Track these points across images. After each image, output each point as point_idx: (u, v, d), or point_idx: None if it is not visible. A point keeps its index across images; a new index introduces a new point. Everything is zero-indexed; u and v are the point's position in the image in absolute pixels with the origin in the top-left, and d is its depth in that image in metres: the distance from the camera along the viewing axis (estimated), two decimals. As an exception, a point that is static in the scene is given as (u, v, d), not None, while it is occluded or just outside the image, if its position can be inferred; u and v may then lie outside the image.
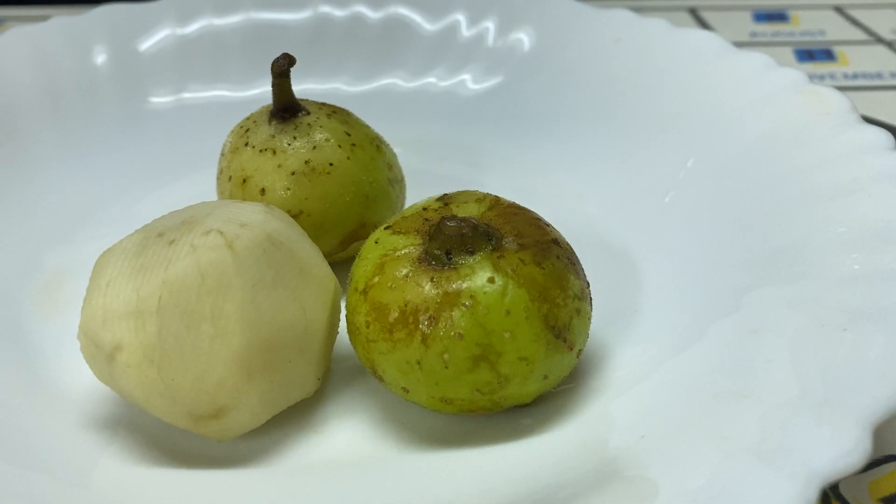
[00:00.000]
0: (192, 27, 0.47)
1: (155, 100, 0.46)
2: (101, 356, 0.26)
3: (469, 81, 0.47)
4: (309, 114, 0.34)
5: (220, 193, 0.35)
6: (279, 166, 0.33)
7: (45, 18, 0.46)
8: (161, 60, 0.46)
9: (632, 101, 0.41)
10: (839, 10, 0.62)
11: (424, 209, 0.29)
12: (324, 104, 0.35)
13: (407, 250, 0.27)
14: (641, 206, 0.37)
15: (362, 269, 0.28)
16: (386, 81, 0.48)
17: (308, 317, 0.27)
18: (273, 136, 0.33)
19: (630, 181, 0.38)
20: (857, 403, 0.22)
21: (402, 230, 0.28)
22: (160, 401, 0.26)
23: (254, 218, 0.27)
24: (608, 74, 0.42)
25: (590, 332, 0.28)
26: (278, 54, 0.33)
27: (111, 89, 0.45)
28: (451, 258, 0.26)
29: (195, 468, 0.27)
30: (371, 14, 0.48)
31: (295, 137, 0.33)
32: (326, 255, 0.31)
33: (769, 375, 0.25)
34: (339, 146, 0.33)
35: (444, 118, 0.46)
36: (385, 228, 0.29)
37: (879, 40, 0.58)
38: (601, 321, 0.31)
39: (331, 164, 0.33)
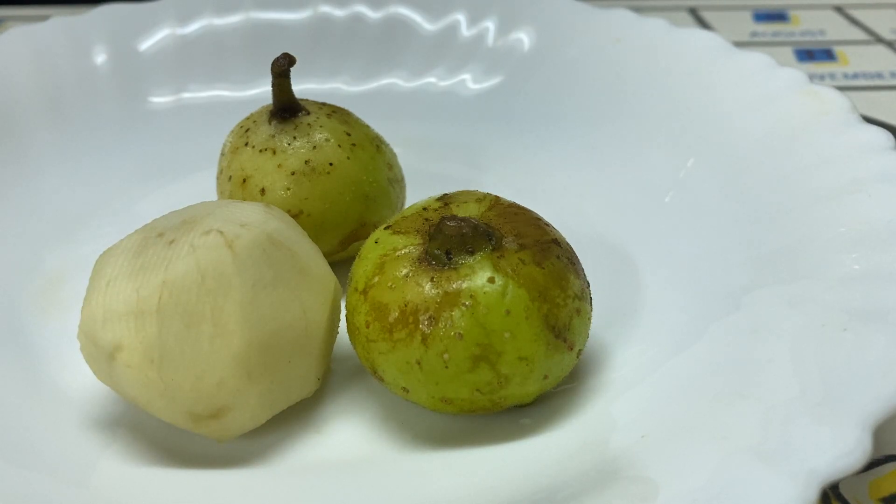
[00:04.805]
0: (192, 27, 0.47)
1: (155, 100, 0.46)
2: (101, 356, 0.26)
3: (469, 81, 0.47)
4: (309, 114, 0.34)
5: (220, 193, 0.35)
6: (279, 166, 0.33)
7: (45, 18, 0.46)
8: (161, 60, 0.46)
9: (632, 101, 0.41)
10: (839, 10, 0.62)
11: (424, 209, 0.29)
12: (324, 104, 0.35)
13: (407, 250, 0.27)
14: (641, 206, 0.37)
15: (362, 269, 0.28)
16: (386, 81, 0.48)
17: (308, 317, 0.27)
18: (273, 136, 0.33)
19: (630, 181, 0.38)
20: (857, 403, 0.22)
21: (402, 230, 0.28)
22: (160, 401, 0.26)
23: (254, 218, 0.27)
24: (608, 74, 0.42)
25: (590, 332, 0.28)
26: (278, 54, 0.33)
27: (111, 89, 0.45)
28: (451, 258, 0.26)
29: (195, 468, 0.27)
30: (371, 14, 0.48)
31: (295, 137, 0.33)
32: (326, 255, 0.31)
33: (769, 375, 0.25)
34: (339, 146, 0.33)
35: (444, 118, 0.46)
36: (385, 228, 0.29)
37: (879, 40, 0.58)
38: (601, 321, 0.31)
39: (331, 164, 0.33)
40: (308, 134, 0.33)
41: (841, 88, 0.39)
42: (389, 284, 0.27)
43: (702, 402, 0.26)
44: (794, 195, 0.32)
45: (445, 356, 0.26)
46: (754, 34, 0.59)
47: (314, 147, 0.33)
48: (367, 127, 0.35)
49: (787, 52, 0.57)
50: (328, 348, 0.29)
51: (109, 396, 0.30)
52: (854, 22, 0.60)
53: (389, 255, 0.27)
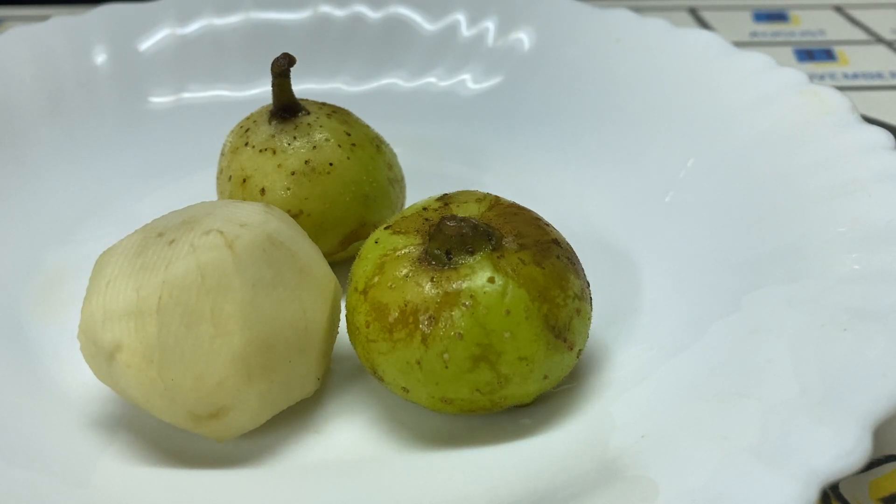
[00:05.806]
0: (192, 27, 0.47)
1: (155, 100, 0.46)
2: (101, 356, 0.26)
3: (469, 81, 0.47)
4: (309, 114, 0.34)
5: (220, 193, 0.35)
6: (279, 166, 0.33)
7: (45, 18, 0.46)
8: (161, 60, 0.46)
9: (632, 101, 0.41)
10: (839, 9, 0.62)
11: (424, 209, 0.29)
12: (324, 104, 0.35)
13: (407, 250, 0.27)
14: (641, 206, 0.37)
15: (362, 269, 0.28)
16: (386, 81, 0.48)
17: (308, 317, 0.27)
18: (273, 136, 0.33)
19: (630, 181, 0.38)
20: (857, 403, 0.22)
21: (402, 230, 0.28)
22: (160, 401, 0.26)
23: (254, 218, 0.27)
24: (608, 74, 0.42)
25: (590, 332, 0.28)
26: (278, 54, 0.33)
27: (111, 89, 0.45)
28: (451, 258, 0.26)
29: (195, 468, 0.27)
30: (371, 14, 0.48)
31: (295, 137, 0.33)
32: (326, 255, 0.31)
33: (769, 375, 0.25)
34: (339, 146, 0.33)
35: (444, 118, 0.46)
36: (385, 228, 0.29)
37: (879, 40, 0.58)
38: (601, 321, 0.31)
39: (331, 164, 0.33)
40: (308, 134, 0.33)
41: (841, 88, 0.39)
42: (389, 284, 0.27)
43: (702, 402, 0.26)
44: (794, 195, 0.32)
45: (445, 356, 0.26)
46: (754, 34, 0.59)
47: (314, 147, 0.33)
48: (367, 127, 0.35)
49: (787, 52, 0.57)
50: (328, 348, 0.29)
51: (109, 396, 0.30)
52: (854, 22, 0.60)
53: (389, 255, 0.27)
